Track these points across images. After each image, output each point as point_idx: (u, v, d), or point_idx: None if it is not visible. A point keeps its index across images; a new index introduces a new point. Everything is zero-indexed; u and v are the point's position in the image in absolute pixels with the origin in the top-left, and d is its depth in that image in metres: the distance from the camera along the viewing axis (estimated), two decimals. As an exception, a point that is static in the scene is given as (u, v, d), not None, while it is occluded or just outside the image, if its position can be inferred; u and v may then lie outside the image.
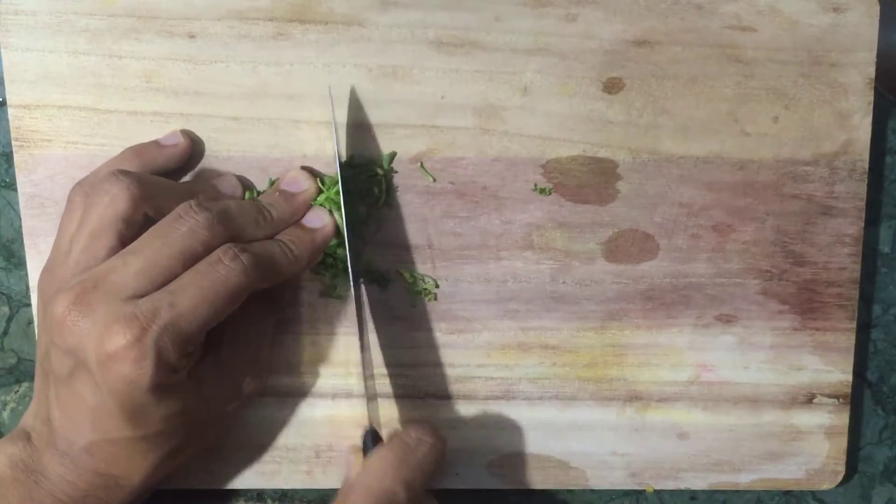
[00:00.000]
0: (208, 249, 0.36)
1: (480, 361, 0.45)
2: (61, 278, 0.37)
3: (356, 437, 0.44)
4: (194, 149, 0.42)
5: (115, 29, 0.41)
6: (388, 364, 0.45)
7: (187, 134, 0.42)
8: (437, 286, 0.44)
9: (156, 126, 0.42)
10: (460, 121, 0.43)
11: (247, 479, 0.46)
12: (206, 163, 0.43)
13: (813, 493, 0.49)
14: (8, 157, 0.45)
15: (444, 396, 0.46)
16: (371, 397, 0.42)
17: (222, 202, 0.39)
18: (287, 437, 0.46)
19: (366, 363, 0.42)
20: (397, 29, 0.42)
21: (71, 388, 0.36)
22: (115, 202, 0.37)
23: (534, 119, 0.43)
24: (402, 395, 0.45)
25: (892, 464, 0.49)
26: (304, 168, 0.42)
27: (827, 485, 0.47)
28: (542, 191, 0.44)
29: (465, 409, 0.46)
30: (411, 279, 0.44)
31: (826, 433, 0.47)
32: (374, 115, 0.43)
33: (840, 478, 0.47)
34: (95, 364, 0.34)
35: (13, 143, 0.42)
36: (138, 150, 0.41)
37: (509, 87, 0.43)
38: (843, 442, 0.47)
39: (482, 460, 0.46)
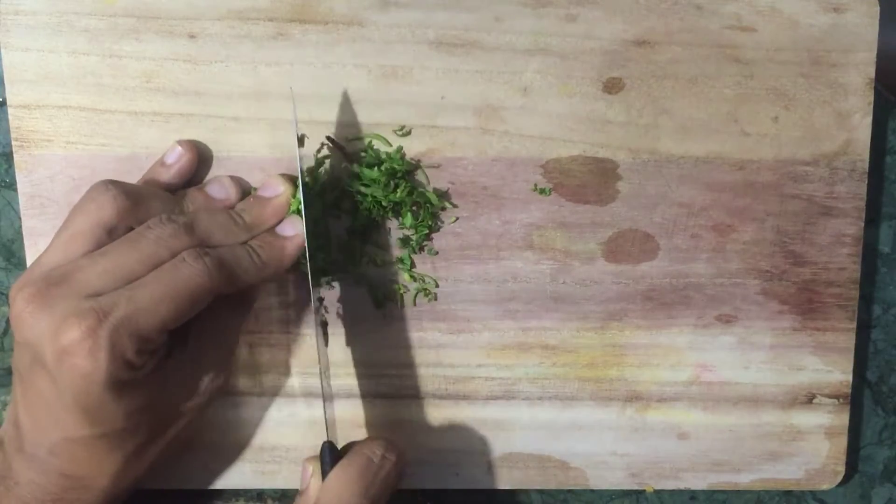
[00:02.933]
0: (174, 256, 0.36)
1: (480, 361, 0.45)
2: (29, 274, 0.37)
3: (356, 437, 0.44)
4: (201, 153, 0.42)
5: (115, 29, 0.41)
6: (388, 364, 0.45)
7: (189, 144, 0.42)
8: (437, 286, 0.44)
9: (156, 126, 0.42)
10: (460, 121, 0.43)
11: (247, 479, 0.46)
12: (205, 163, 0.43)
13: (813, 493, 0.49)
14: (8, 157, 0.45)
15: (445, 396, 0.46)
16: (328, 398, 0.42)
17: (193, 213, 0.39)
18: (287, 437, 0.46)
19: (322, 365, 0.42)
20: (397, 29, 0.42)
21: (32, 385, 0.36)
22: (100, 209, 0.37)
23: (534, 119, 0.43)
24: (403, 395, 0.45)
25: (892, 464, 0.49)
26: (281, 174, 0.42)
27: (827, 485, 0.47)
28: (542, 191, 0.44)
29: (465, 409, 0.46)
30: (411, 279, 0.44)
31: (826, 433, 0.47)
32: (374, 115, 0.43)
33: (840, 478, 0.47)
34: (51, 358, 0.34)
35: (13, 143, 0.42)
36: (146, 179, 0.41)
37: (509, 87, 0.43)
38: (843, 442, 0.47)
39: (482, 460, 0.46)
